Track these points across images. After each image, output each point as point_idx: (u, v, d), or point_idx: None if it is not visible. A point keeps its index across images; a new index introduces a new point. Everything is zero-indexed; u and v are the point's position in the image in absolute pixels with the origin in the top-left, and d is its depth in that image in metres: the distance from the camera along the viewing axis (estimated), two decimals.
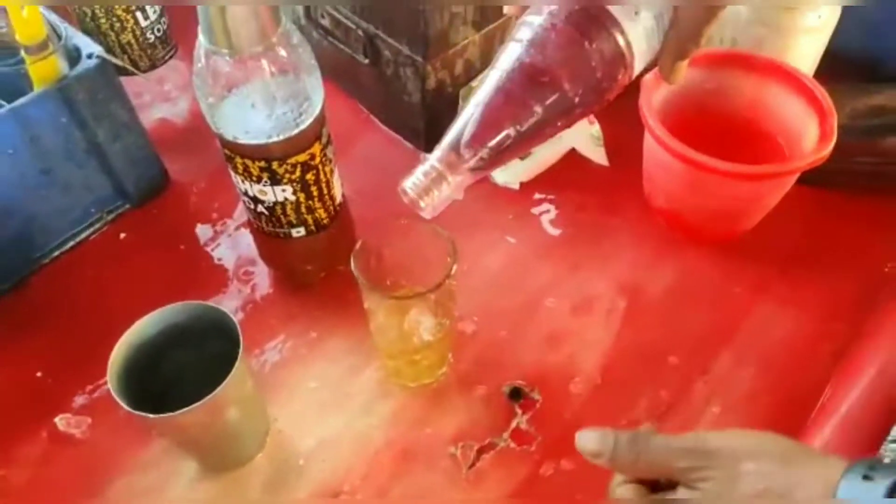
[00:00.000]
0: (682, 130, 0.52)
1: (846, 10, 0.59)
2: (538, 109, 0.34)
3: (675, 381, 0.52)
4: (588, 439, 0.37)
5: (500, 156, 0.35)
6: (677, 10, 0.37)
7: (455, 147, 0.34)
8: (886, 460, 0.41)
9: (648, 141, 0.54)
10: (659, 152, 0.53)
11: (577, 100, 0.35)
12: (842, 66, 0.64)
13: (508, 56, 0.35)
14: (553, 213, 0.61)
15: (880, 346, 0.52)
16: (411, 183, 0.35)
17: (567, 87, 0.34)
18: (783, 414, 0.50)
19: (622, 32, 0.35)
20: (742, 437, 0.35)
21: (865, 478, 0.31)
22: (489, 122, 0.34)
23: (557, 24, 0.35)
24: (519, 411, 0.50)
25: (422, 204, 0.35)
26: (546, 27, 0.35)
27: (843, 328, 0.54)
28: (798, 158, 0.53)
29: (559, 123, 0.36)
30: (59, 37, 0.53)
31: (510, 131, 0.34)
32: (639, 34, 0.36)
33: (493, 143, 0.34)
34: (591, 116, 0.64)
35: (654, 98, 0.54)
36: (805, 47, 0.61)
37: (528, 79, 0.34)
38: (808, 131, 0.54)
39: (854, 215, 0.60)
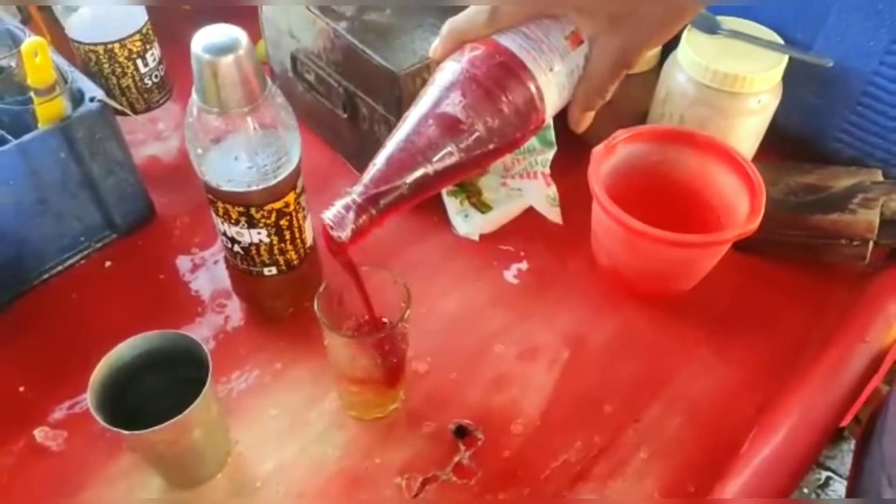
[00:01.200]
0: (630, 197, 0.57)
1: (787, 94, 0.66)
2: (452, 151, 0.37)
3: (609, 427, 0.56)
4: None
5: (414, 193, 0.37)
6: (587, 67, 0.41)
7: (375, 181, 0.37)
8: None
9: (595, 206, 0.60)
10: (602, 217, 0.58)
11: (490, 145, 0.38)
12: (782, 144, 0.71)
13: (427, 99, 0.38)
14: (509, 265, 0.67)
15: (797, 404, 0.57)
16: (330, 214, 0.38)
17: (480, 133, 0.37)
18: (707, 461, 0.54)
19: (537, 86, 0.38)
20: None
21: None
22: (405, 161, 0.37)
23: (477, 73, 0.38)
24: (462, 448, 0.54)
25: (336, 234, 0.38)
26: (466, 75, 0.37)
27: (766, 385, 0.58)
28: (729, 229, 0.59)
29: (472, 165, 0.38)
30: (66, 80, 0.58)
31: (427, 170, 0.37)
32: (552, 87, 0.39)
33: (409, 179, 0.37)
34: (549, 179, 0.70)
35: (604, 167, 0.60)
36: (746, 128, 0.67)
37: (446, 123, 0.37)
38: (740, 205, 0.60)
39: (782, 282, 0.66)
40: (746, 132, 0.68)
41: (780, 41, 0.66)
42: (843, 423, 0.55)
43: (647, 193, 0.60)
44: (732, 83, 0.63)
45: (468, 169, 0.39)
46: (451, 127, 0.37)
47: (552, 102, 0.41)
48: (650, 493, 0.53)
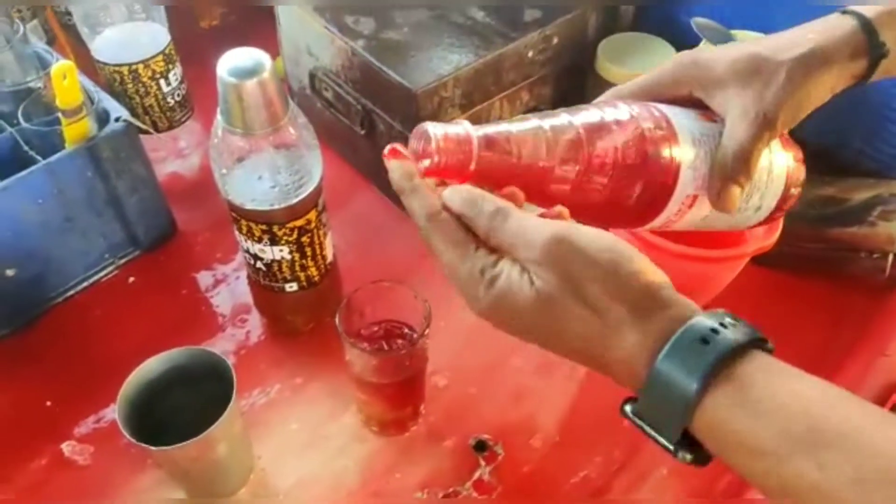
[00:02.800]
0: None
1: None
2: (574, 169, 0.36)
3: (628, 441, 0.56)
4: (456, 199, 0.35)
5: (513, 178, 0.36)
6: (724, 132, 0.39)
7: (497, 137, 0.35)
8: None
9: None
10: (619, 232, 0.58)
11: (602, 187, 0.37)
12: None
13: (587, 115, 0.37)
14: None
15: None
16: (436, 128, 0.34)
17: (609, 173, 0.36)
18: (725, 477, 0.54)
19: (678, 159, 0.38)
20: (605, 251, 0.33)
21: (703, 341, 0.30)
22: (533, 147, 0.35)
23: (643, 125, 0.37)
24: (482, 463, 0.55)
25: (431, 131, 0.34)
26: (633, 120, 0.37)
27: None
28: (747, 244, 0.59)
29: (572, 194, 0.37)
30: (92, 101, 0.59)
31: (544, 165, 0.36)
32: (688, 158, 0.38)
33: (523, 161, 0.35)
34: None
35: None
36: None
37: (592, 144, 0.36)
38: None
39: (801, 295, 0.65)
40: None
41: None
42: None
43: None
44: None
45: (559, 196, 0.37)
46: (587, 161, 0.37)
47: (684, 173, 0.39)
48: None
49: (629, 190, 0.38)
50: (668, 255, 0.56)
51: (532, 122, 0.37)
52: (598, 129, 0.37)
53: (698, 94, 0.41)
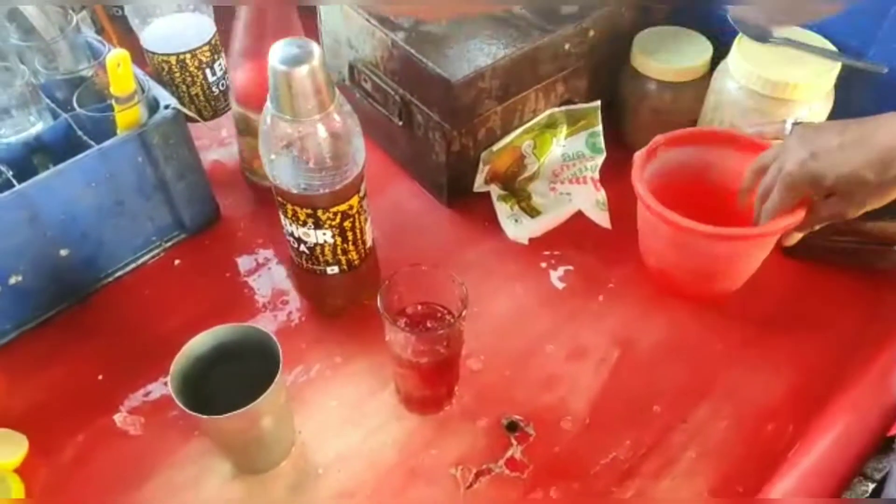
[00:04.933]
0: (674, 200, 0.58)
1: (840, 101, 0.66)
2: None
3: (657, 426, 0.58)
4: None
5: None
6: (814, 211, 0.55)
7: None
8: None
9: (640, 207, 0.61)
10: (648, 217, 0.60)
11: None
12: None
13: None
14: (557, 267, 0.69)
15: (847, 409, 0.58)
16: None
17: None
18: (754, 463, 0.55)
19: None
20: None
21: None
22: None
23: None
24: (515, 442, 0.56)
25: None
26: None
27: (814, 390, 0.59)
28: (775, 223, 0.57)
29: None
30: (143, 89, 0.62)
31: None
32: None
33: None
34: (598, 184, 0.72)
35: (647, 171, 0.61)
36: None
37: None
38: None
39: (832, 288, 0.66)
40: None
41: (833, 48, 0.66)
42: (893, 432, 0.55)
43: (690, 196, 0.61)
44: (783, 90, 0.64)
45: None
46: None
47: None
48: (699, 492, 0.54)
49: None
50: (697, 236, 0.57)
51: None
52: None
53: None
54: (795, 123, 0.59)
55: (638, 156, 0.61)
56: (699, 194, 0.62)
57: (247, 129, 0.66)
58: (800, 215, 0.56)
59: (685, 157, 0.64)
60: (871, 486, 0.52)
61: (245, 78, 0.63)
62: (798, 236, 0.58)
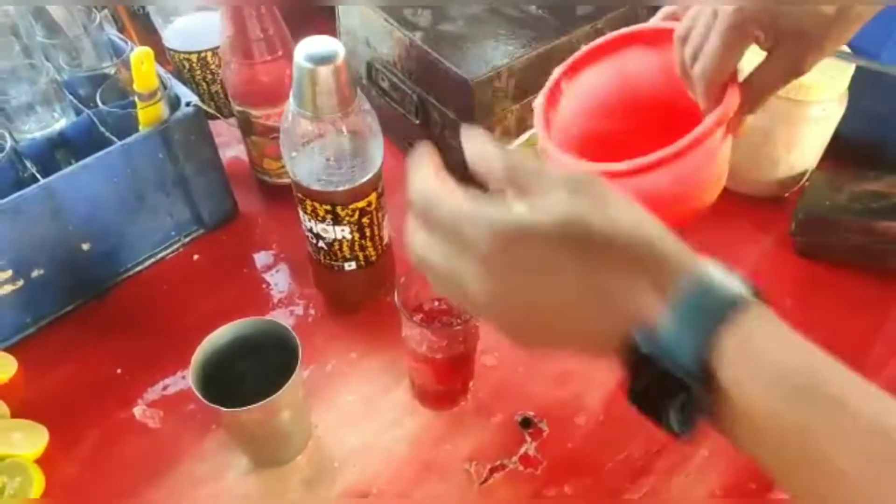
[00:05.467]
0: (613, 135, 0.49)
1: (853, 102, 0.67)
2: None
3: None
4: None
5: None
6: (760, 74, 0.43)
7: None
8: None
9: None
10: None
11: None
12: (847, 151, 0.72)
13: None
14: None
15: None
16: None
17: None
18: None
19: None
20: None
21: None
22: None
23: None
24: (528, 439, 0.57)
25: None
26: None
27: None
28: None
29: None
30: (165, 87, 0.62)
31: None
32: None
33: None
34: None
35: (561, 115, 0.50)
36: (810, 135, 0.68)
37: None
38: None
39: (845, 288, 0.66)
40: (810, 140, 0.69)
41: (847, 49, 0.67)
42: None
43: (629, 121, 0.51)
44: (797, 91, 0.64)
45: None
46: None
47: None
48: (712, 490, 0.54)
49: None
50: (624, 175, 0.45)
51: None
52: None
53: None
54: None
55: (538, 104, 0.50)
56: (640, 113, 0.51)
57: (249, 129, 0.67)
58: (734, 96, 0.44)
59: (599, 81, 0.52)
60: None
61: (236, 75, 0.63)
62: (749, 121, 0.46)
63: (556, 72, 0.51)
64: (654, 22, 0.50)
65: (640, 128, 0.49)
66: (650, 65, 0.50)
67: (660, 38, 0.49)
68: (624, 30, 0.51)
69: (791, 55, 0.43)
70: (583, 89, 0.52)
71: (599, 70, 0.52)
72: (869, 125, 0.72)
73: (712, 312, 0.29)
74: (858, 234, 0.66)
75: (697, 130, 0.44)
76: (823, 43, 0.42)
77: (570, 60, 0.51)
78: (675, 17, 0.49)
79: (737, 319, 0.29)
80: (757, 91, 0.44)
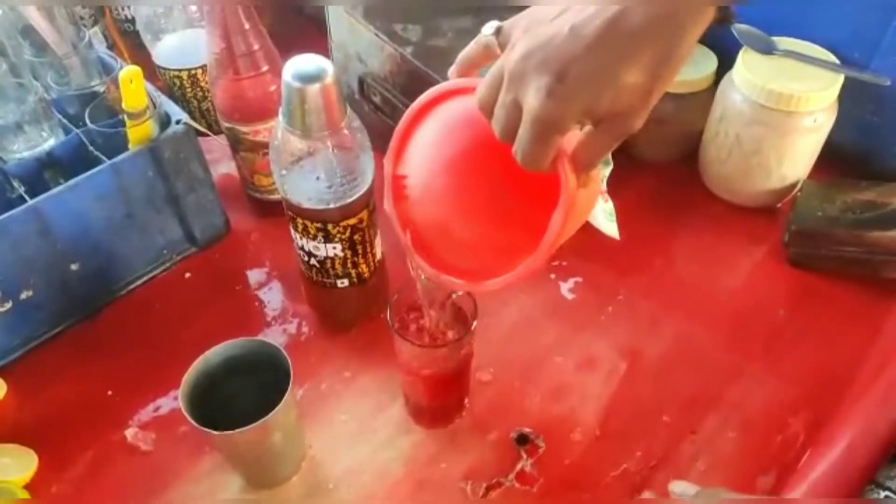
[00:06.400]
0: (480, 172, 0.43)
1: (843, 113, 0.67)
2: None
3: (667, 437, 0.57)
4: None
5: None
6: (588, 138, 0.38)
7: None
8: None
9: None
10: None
11: None
12: (838, 162, 0.72)
13: None
14: (567, 278, 0.69)
15: (856, 420, 0.58)
16: None
17: None
18: (764, 474, 0.55)
19: None
20: None
21: None
22: None
23: None
24: (525, 455, 0.56)
25: None
26: None
27: (821, 401, 0.59)
28: None
29: None
30: (154, 104, 0.62)
31: None
32: None
33: None
34: (606, 195, 0.72)
35: (409, 161, 0.45)
36: (802, 146, 0.68)
37: None
38: None
39: (839, 298, 0.66)
40: (802, 150, 0.69)
41: (836, 60, 0.67)
42: None
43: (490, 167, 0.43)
44: (788, 102, 0.64)
45: None
46: None
47: None
48: None
49: None
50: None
51: None
52: None
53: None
54: (497, 28, 0.41)
55: (386, 159, 0.46)
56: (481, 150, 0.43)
57: (239, 145, 0.67)
58: (569, 179, 0.39)
59: (451, 115, 0.45)
60: (884, 493, 0.52)
61: (223, 91, 0.63)
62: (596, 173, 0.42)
63: (398, 128, 0.46)
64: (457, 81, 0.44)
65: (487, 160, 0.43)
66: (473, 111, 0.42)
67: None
68: (444, 86, 0.44)
69: (616, 126, 0.38)
70: (422, 150, 0.46)
71: (450, 108, 0.45)
72: (860, 134, 0.73)
73: None
74: (851, 244, 0.66)
75: (548, 238, 0.42)
76: (649, 101, 0.38)
77: (407, 114, 0.45)
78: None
79: None
80: (584, 165, 0.39)
